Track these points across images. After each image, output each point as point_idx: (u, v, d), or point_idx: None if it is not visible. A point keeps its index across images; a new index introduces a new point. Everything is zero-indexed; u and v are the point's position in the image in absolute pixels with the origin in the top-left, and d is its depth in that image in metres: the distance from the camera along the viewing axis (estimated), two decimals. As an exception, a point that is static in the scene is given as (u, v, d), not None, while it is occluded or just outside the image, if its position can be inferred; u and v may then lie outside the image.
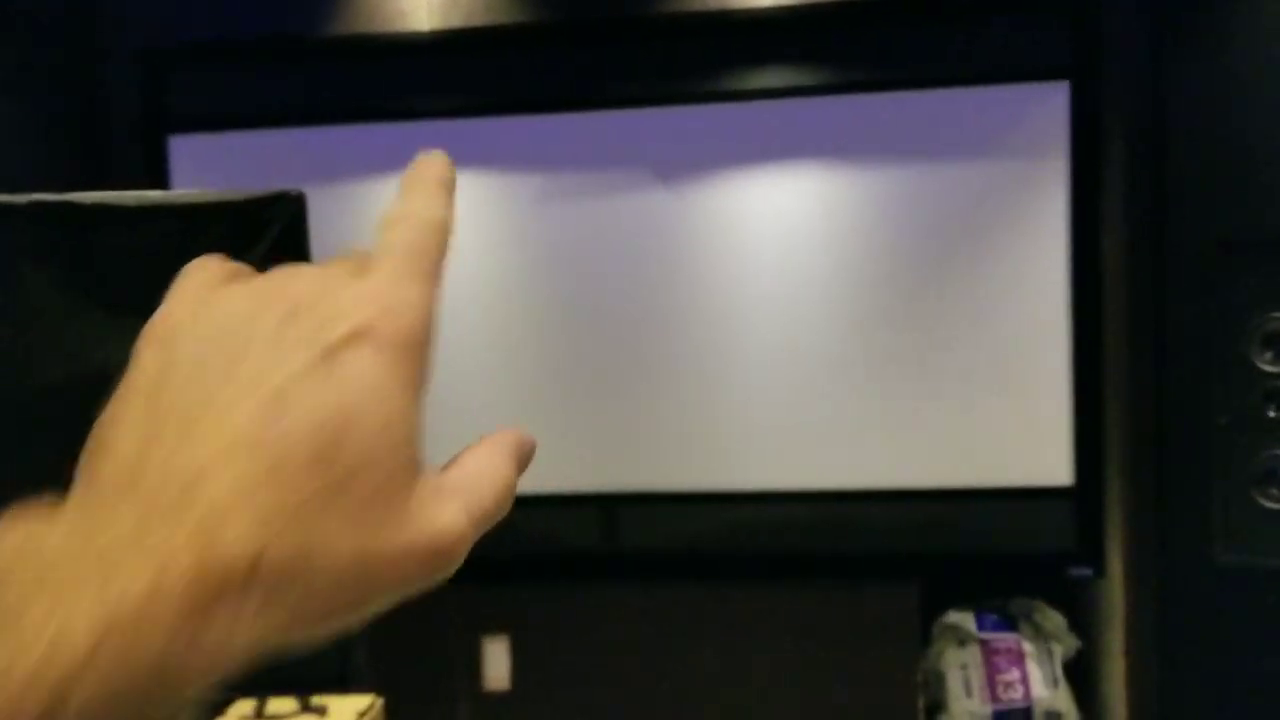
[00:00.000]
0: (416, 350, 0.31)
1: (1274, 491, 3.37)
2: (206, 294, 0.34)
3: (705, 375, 3.73)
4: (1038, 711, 3.86)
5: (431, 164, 0.36)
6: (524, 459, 0.36)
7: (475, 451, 0.35)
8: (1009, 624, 3.96)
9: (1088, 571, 3.67)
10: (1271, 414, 3.37)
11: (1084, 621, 3.98)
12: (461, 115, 3.77)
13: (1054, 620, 3.95)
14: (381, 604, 0.30)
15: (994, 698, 3.88)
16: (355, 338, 0.30)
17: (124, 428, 0.30)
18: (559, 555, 3.78)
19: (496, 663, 3.83)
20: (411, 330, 0.31)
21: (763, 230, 3.69)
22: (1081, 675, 3.96)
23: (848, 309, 3.67)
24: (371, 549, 0.29)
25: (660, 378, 3.74)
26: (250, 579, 0.27)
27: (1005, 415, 3.63)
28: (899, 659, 3.72)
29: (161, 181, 3.74)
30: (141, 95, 3.83)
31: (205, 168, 3.76)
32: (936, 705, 3.93)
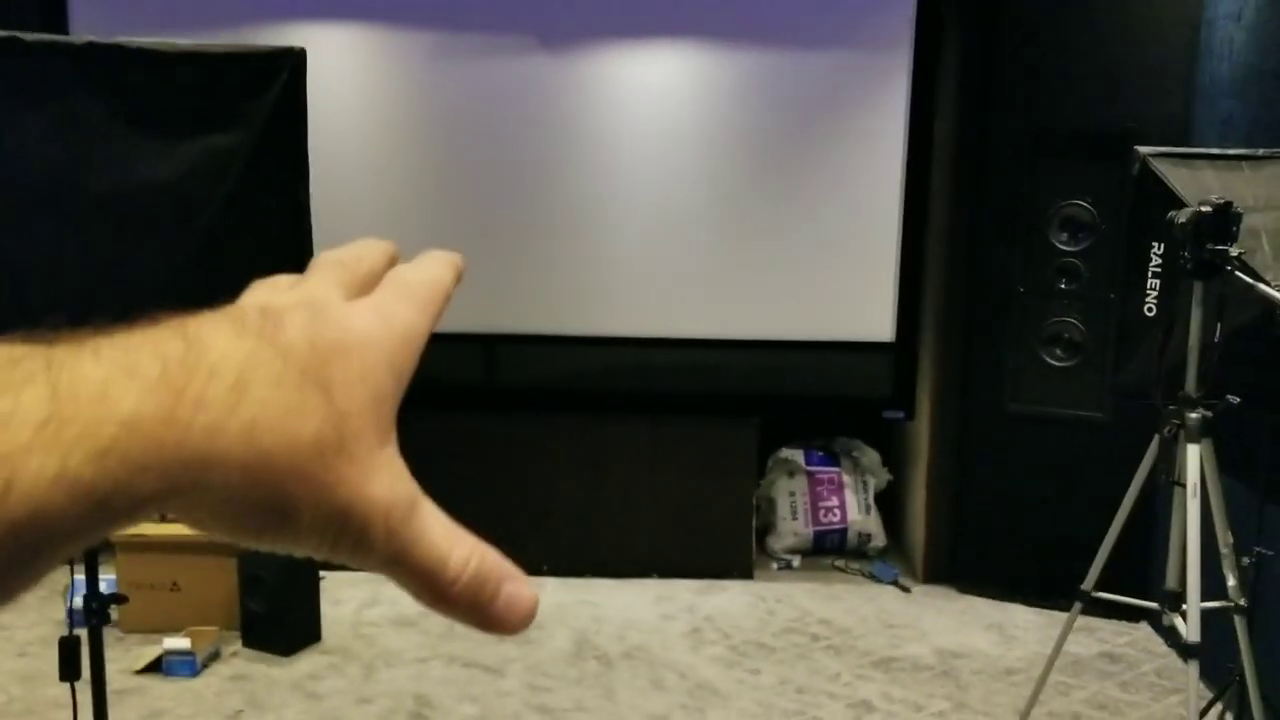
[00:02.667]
0: (402, 349, 0.34)
1: (1059, 352, 3.98)
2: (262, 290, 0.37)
3: (578, 232, 4.12)
4: (852, 533, 4.51)
5: (449, 254, 0.40)
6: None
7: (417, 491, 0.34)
8: (832, 459, 4.57)
9: (900, 414, 4.26)
10: (1062, 285, 3.95)
11: (895, 458, 4.62)
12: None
13: (870, 456, 4.57)
14: (313, 520, 0.31)
15: (816, 521, 4.50)
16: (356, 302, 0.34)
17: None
18: (441, 387, 4.18)
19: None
20: (396, 333, 0.34)
21: (639, 99, 4.05)
22: (890, 504, 4.62)
23: (711, 175, 4.09)
24: (317, 469, 0.31)
25: (537, 232, 4.12)
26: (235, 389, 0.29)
27: (841, 278, 4.15)
28: (738, 486, 4.28)
29: (60, 19, 3.88)
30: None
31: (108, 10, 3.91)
32: (767, 526, 4.54)
